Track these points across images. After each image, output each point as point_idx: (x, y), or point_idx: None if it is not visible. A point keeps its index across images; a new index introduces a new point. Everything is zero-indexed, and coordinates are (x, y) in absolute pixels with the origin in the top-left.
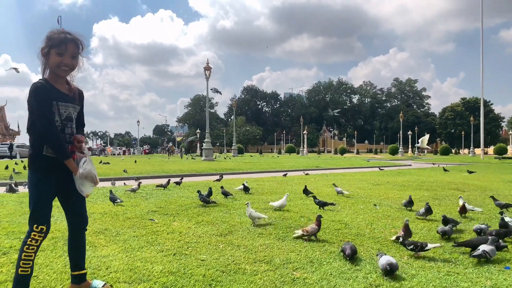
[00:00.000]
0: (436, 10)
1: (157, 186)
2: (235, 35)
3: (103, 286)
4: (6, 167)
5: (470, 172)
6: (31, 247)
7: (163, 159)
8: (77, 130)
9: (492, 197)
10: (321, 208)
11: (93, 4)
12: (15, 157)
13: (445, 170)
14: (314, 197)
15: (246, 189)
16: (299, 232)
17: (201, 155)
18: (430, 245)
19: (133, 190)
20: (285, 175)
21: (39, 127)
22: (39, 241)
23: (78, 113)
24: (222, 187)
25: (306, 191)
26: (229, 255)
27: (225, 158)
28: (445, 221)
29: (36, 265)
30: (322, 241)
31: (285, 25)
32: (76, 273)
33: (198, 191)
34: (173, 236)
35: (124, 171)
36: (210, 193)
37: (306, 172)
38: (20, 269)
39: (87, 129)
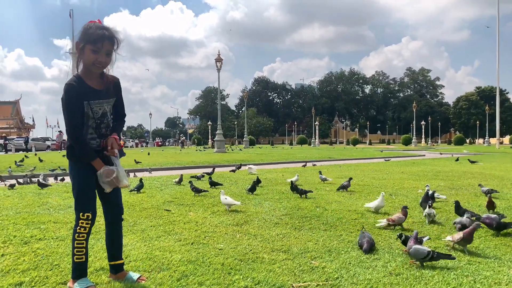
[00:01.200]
0: None
1: (192, 177)
2: (246, 26)
3: (138, 278)
4: (22, 160)
5: (472, 162)
6: (81, 235)
7: (176, 151)
8: (116, 121)
9: (480, 184)
10: (302, 196)
11: None
12: (30, 150)
13: (471, 162)
14: (292, 184)
15: (254, 187)
16: (383, 222)
17: (212, 147)
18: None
19: (178, 182)
20: (304, 165)
21: (67, 131)
22: (87, 228)
23: (114, 105)
24: (210, 178)
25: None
26: (246, 244)
27: (240, 150)
28: (458, 208)
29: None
30: (339, 230)
31: (295, 15)
32: (113, 263)
33: (190, 182)
34: (190, 226)
35: (135, 161)
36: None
37: (314, 163)
38: (75, 257)
39: None
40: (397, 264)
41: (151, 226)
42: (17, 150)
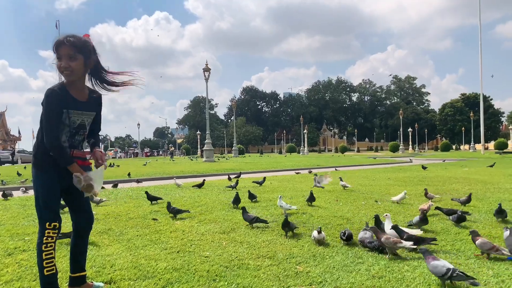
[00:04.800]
0: (432, 7)
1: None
2: (232, 36)
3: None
4: (18, 174)
5: (424, 168)
6: (49, 245)
7: (165, 161)
8: (91, 135)
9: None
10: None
11: (90, 8)
12: (16, 162)
13: (423, 167)
14: (169, 205)
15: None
16: None
17: (202, 156)
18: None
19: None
20: (297, 173)
21: (45, 137)
22: (54, 237)
23: (93, 119)
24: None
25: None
26: (232, 251)
27: (226, 159)
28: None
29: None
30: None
31: (281, 25)
32: (77, 274)
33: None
34: (176, 235)
35: (128, 174)
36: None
37: (310, 170)
38: (45, 269)
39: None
40: (380, 267)
41: (137, 235)
42: (2, 163)
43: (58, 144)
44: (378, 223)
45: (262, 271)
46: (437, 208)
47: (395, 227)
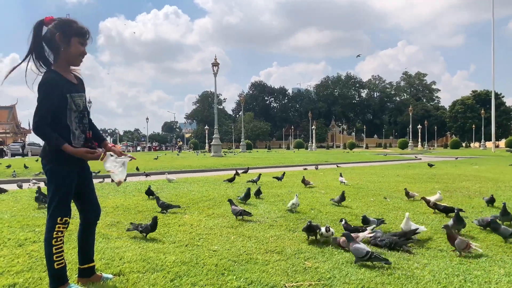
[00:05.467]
0: (444, 2)
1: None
2: (241, 31)
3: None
4: (25, 166)
5: (431, 166)
6: (59, 239)
7: (173, 155)
8: (90, 127)
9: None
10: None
11: (99, 2)
12: (26, 155)
13: (430, 165)
14: (157, 199)
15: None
16: None
17: (209, 151)
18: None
19: (254, 181)
20: (316, 167)
21: (34, 121)
22: (63, 232)
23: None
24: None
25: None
26: (240, 246)
27: (234, 154)
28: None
29: None
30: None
31: (291, 19)
32: (86, 266)
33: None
34: (184, 228)
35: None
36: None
37: (317, 166)
38: (55, 263)
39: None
40: (389, 265)
41: None
42: (13, 155)
43: (46, 129)
44: (367, 221)
45: (270, 266)
46: (423, 198)
47: (346, 234)
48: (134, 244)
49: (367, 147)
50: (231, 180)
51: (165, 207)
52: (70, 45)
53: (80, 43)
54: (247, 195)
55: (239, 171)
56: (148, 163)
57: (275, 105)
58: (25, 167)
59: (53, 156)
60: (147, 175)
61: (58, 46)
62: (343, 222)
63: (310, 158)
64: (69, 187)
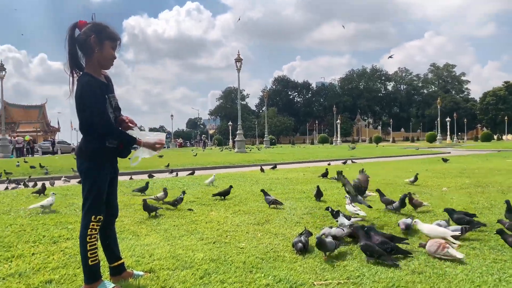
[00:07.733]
0: None
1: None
2: (264, 25)
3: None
4: (41, 166)
5: (445, 160)
6: (93, 237)
7: (198, 152)
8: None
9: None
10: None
11: (123, 0)
12: (56, 152)
13: (444, 160)
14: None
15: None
16: None
17: (233, 147)
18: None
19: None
20: (344, 163)
21: (98, 123)
22: (97, 229)
23: None
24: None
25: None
26: (267, 243)
27: (258, 149)
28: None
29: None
30: None
31: (313, 13)
32: (116, 264)
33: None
34: (211, 225)
35: (167, 166)
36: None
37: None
38: (90, 260)
39: None
40: (419, 262)
41: (174, 225)
42: (44, 153)
43: (112, 125)
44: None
45: (298, 264)
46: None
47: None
48: (163, 241)
49: (393, 141)
50: (324, 175)
51: (150, 210)
52: (103, 48)
53: (112, 47)
54: (318, 193)
55: (264, 168)
56: (171, 160)
57: (298, 99)
58: (41, 166)
59: (89, 155)
60: (172, 171)
61: (92, 48)
62: (329, 209)
63: (336, 153)
64: (103, 186)
